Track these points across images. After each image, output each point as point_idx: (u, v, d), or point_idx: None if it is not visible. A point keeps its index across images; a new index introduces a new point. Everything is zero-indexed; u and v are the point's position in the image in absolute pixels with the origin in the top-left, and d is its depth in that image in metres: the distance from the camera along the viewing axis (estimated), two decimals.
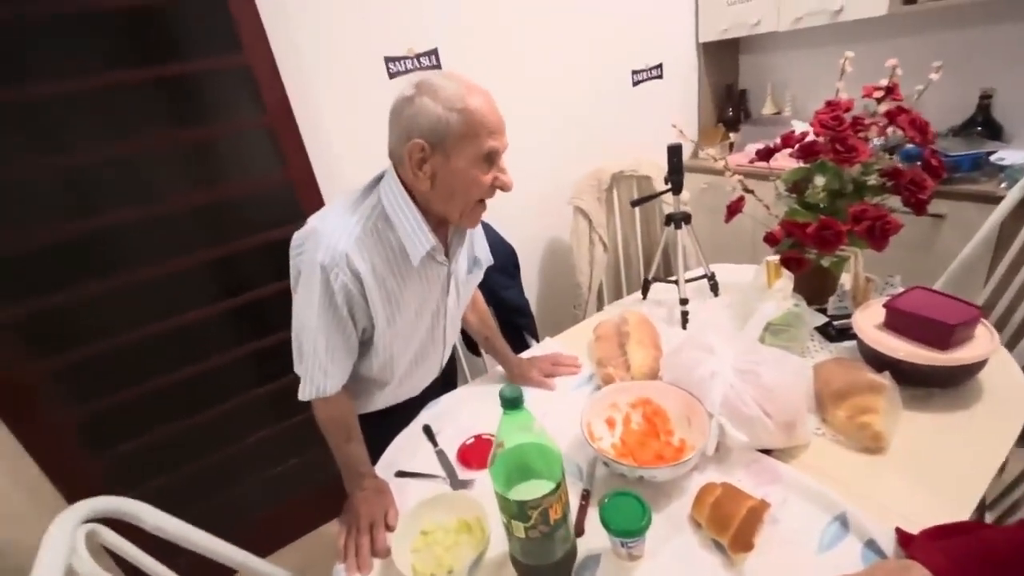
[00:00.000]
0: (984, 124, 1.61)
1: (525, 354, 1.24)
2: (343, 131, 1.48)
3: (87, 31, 1.17)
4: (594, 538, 0.73)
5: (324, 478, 1.41)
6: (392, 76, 1.51)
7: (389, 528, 0.80)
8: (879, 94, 0.99)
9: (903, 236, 0.99)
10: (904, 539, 0.64)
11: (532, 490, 0.60)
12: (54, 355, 1.25)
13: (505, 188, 0.84)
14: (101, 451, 1.36)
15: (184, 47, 1.25)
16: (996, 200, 1.28)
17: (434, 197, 0.83)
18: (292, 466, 1.69)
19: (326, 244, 0.80)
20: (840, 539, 0.68)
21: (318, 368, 0.86)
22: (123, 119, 1.24)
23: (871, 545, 0.66)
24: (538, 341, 1.54)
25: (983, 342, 0.86)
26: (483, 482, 0.85)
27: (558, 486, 0.61)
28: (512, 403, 0.60)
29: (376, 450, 0.99)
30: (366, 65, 1.46)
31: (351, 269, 0.80)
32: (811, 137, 1.08)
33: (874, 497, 0.72)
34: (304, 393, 0.88)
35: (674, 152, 1.17)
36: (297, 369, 0.89)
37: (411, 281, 0.89)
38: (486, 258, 1.10)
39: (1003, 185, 1.40)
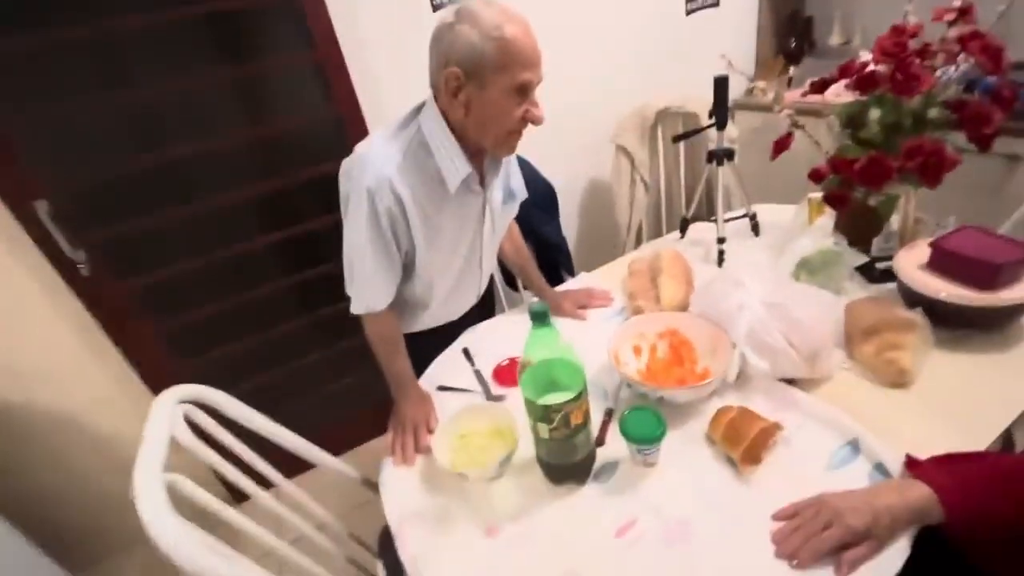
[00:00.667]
0: None
1: (559, 288, 1.29)
2: (388, 65, 1.49)
3: None
4: (614, 448, 0.80)
5: (374, 399, 1.55)
6: (435, 8, 1.49)
7: (430, 431, 0.90)
8: (951, 16, 0.91)
9: (971, 178, 0.94)
10: (912, 463, 0.67)
11: (556, 399, 0.67)
12: (133, 276, 1.40)
13: (536, 122, 0.86)
14: (181, 359, 1.54)
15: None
16: None
17: (469, 125, 0.85)
18: (346, 385, 1.85)
19: (372, 170, 0.85)
20: (849, 461, 0.72)
21: (366, 285, 0.94)
22: (177, 57, 1.31)
23: (879, 468, 0.70)
24: (574, 277, 1.58)
25: None
26: (515, 398, 0.92)
27: (578, 396, 0.68)
28: (540, 317, 0.65)
29: (420, 366, 1.08)
30: None
31: (394, 193, 0.86)
32: (872, 67, 1.01)
33: (891, 428, 0.74)
34: (355, 308, 0.97)
35: (720, 84, 1.13)
36: (348, 288, 0.97)
37: (448, 207, 0.94)
38: (521, 191, 1.13)
39: None
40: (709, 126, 1.18)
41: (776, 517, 0.66)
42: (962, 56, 0.94)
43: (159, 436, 0.69)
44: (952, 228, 0.99)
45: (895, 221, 1.07)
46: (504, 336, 1.14)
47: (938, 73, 0.96)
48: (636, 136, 1.70)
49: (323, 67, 1.39)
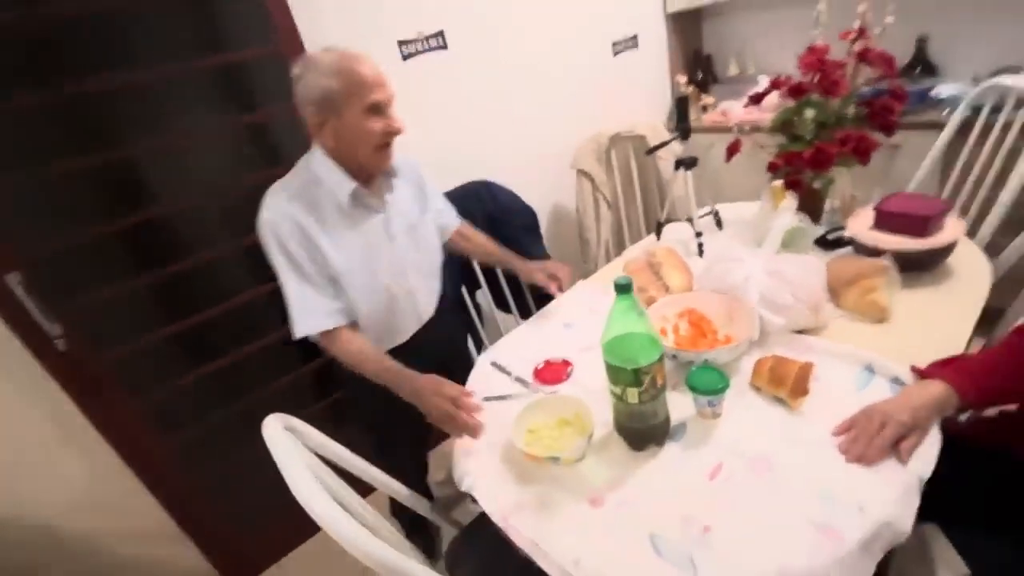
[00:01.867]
0: (922, 64, 1.86)
1: (552, 304, 1.38)
2: None
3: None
4: (677, 411, 0.88)
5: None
6: (405, 58, 1.60)
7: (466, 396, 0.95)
8: (852, 35, 1.18)
9: (865, 171, 1.20)
10: (917, 371, 0.83)
11: (643, 362, 0.75)
12: (110, 348, 1.29)
13: (395, 132, 0.99)
14: (164, 433, 1.41)
15: (225, 40, 1.31)
16: (940, 126, 1.51)
17: (342, 150, 0.99)
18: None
19: (267, 207, 0.99)
20: (870, 381, 0.87)
21: (297, 307, 1.01)
22: (152, 113, 1.29)
23: (896, 380, 0.85)
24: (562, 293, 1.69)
25: (953, 230, 1.07)
26: (564, 392, 1.00)
27: (661, 357, 0.77)
28: (624, 288, 0.74)
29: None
30: (382, 48, 1.56)
31: (292, 220, 0.97)
32: (796, 79, 1.26)
33: (887, 353, 0.90)
34: (296, 331, 1.02)
35: (681, 102, 1.33)
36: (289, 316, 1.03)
37: (350, 227, 1.03)
38: (445, 205, 1.29)
39: (945, 113, 1.64)
40: (675, 138, 1.38)
41: (836, 432, 0.78)
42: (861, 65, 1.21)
43: (293, 447, 0.68)
44: (879, 198, 1.24)
45: (837, 199, 1.31)
46: (529, 345, 1.20)
47: (848, 82, 1.22)
48: (594, 159, 1.89)
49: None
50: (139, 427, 1.36)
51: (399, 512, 1.50)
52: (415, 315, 1.20)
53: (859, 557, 0.64)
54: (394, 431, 1.26)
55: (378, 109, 0.95)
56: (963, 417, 0.92)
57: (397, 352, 1.16)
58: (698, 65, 2.50)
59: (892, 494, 0.68)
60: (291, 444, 0.67)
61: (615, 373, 0.77)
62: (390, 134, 0.98)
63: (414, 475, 1.32)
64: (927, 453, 0.73)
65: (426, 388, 0.95)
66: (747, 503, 0.72)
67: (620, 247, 2.05)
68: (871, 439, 0.73)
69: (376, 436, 1.31)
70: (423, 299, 1.21)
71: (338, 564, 1.62)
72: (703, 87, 2.44)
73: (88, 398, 1.26)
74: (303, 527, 1.73)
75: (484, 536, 1.02)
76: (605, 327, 0.78)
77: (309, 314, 1.02)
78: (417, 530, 1.47)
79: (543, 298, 1.59)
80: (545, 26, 1.92)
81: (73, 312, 1.20)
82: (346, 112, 0.93)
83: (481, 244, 1.36)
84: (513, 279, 1.74)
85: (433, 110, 1.71)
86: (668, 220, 1.54)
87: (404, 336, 1.21)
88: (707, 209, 1.48)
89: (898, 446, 0.72)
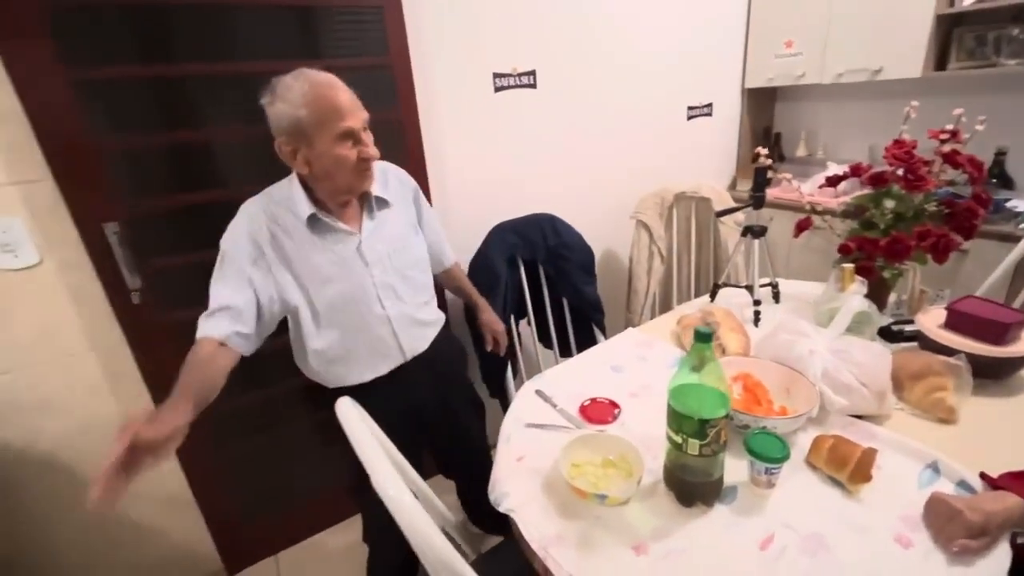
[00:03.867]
0: (999, 176, 1.86)
1: (599, 346, 1.39)
2: (455, 135, 1.65)
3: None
4: (728, 475, 0.87)
5: None
6: (497, 90, 1.69)
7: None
8: (944, 136, 1.20)
9: (932, 269, 1.19)
10: (989, 480, 0.80)
11: (711, 414, 0.75)
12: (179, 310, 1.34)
13: (370, 158, 0.99)
14: None
15: (341, 48, 1.42)
16: (1013, 239, 1.50)
17: (317, 177, 0.98)
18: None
19: (247, 206, 1.03)
20: (934, 480, 0.84)
21: (205, 314, 0.97)
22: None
23: (962, 484, 0.82)
24: (606, 337, 1.70)
25: None
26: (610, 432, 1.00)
27: (728, 414, 0.76)
28: (705, 338, 0.75)
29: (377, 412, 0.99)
30: (478, 77, 1.65)
31: (265, 222, 1.00)
32: (877, 168, 1.28)
33: (951, 456, 0.87)
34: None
35: (760, 173, 1.36)
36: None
37: (319, 246, 1.02)
38: (443, 238, 1.32)
39: (1021, 227, 1.63)
40: (747, 205, 1.40)
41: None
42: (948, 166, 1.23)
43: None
44: (949, 298, 1.22)
45: (903, 291, 1.30)
46: (577, 380, 1.20)
47: (934, 180, 1.23)
48: (656, 213, 1.92)
49: (404, 128, 1.51)
50: None
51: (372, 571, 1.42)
52: (396, 347, 1.14)
53: None
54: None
55: (350, 136, 0.95)
56: None
57: (385, 381, 1.14)
58: (767, 141, 2.55)
59: None
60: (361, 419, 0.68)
61: (679, 421, 0.77)
62: (364, 160, 0.98)
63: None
64: (995, 567, 0.70)
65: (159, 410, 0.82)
66: None
67: (666, 301, 2.06)
68: (940, 528, 0.71)
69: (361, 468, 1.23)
70: (402, 328, 1.14)
71: (332, 565, 1.61)
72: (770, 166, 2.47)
73: (146, 352, 1.31)
74: (305, 525, 1.73)
75: (506, 564, 1.01)
76: (676, 373, 0.78)
77: (209, 313, 0.98)
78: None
79: (586, 340, 1.60)
80: (628, 83, 2.01)
81: (153, 272, 1.27)
82: (318, 141, 0.92)
83: (461, 279, 1.42)
84: (559, 314, 1.77)
85: (514, 141, 1.79)
86: (725, 284, 1.54)
87: (383, 369, 1.15)
88: (767, 280, 1.48)
89: (964, 547, 0.70)
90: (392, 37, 1.42)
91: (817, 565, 0.71)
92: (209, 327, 0.95)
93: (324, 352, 1.10)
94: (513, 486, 0.91)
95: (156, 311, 1.29)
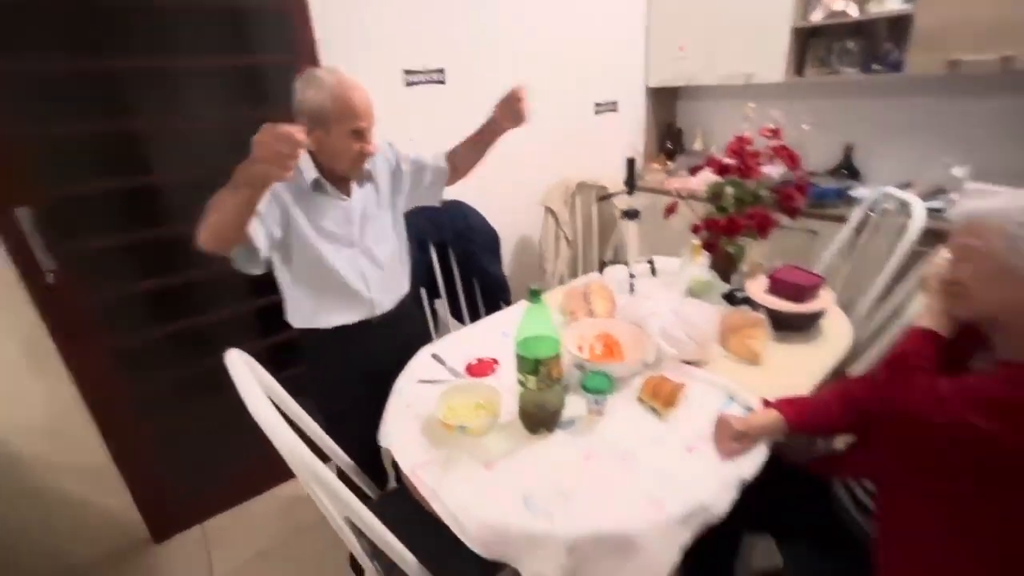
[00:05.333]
0: (847, 168, 2.17)
1: (496, 314, 1.57)
2: None
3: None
4: (571, 410, 1.07)
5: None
6: (408, 84, 1.83)
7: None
8: (768, 134, 1.44)
9: (788, 246, 1.44)
10: (766, 403, 1.04)
11: (543, 354, 0.94)
12: (95, 291, 1.43)
13: (369, 154, 1.17)
14: (127, 378, 1.53)
15: (253, 45, 1.52)
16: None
17: (321, 156, 1.15)
18: None
19: None
20: (729, 405, 1.07)
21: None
22: (176, 95, 1.48)
23: (748, 408, 1.05)
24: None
25: (824, 300, 1.31)
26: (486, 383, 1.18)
27: (557, 355, 0.96)
28: (536, 295, 0.94)
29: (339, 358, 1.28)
30: (389, 71, 1.78)
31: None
32: (726, 161, 1.52)
33: (751, 387, 1.11)
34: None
35: (631, 163, 1.57)
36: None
37: (321, 206, 1.18)
38: (428, 158, 1.41)
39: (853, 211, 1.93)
40: (622, 191, 1.61)
41: None
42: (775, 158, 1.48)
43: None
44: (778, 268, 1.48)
45: (745, 265, 1.55)
46: (468, 345, 1.38)
47: (764, 169, 1.47)
48: (560, 201, 2.12)
49: None
50: (104, 369, 1.47)
51: None
52: (366, 298, 1.29)
53: (677, 524, 0.82)
54: (347, 412, 1.33)
55: (360, 134, 1.12)
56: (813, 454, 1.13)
57: (341, 333, 1.28)
58: (669, 136, 2.81)
59: (714, 485, 0.88)
60: (249, 372, 0.83)
61: (521, 363, 0.96)
62: (364, 155, 1.16)
63: (362, 458, 1.32)
64: (752, 461, 0.93)
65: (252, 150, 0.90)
66: (605, 481, 0.90)
67: (573, 276, 2.27)
68: (716, 437, 0.94)
69: (328, 413, 1.36)
70: (376, 288, 1.30)
71: (257, 531, 1.73)
72: (671, 156, 2.74)
73: (63, 332, 1.38)
74: (231, 493, 1.84)
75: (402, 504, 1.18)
76: (520, 327, 0.97)
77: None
78: None
79: (495, 311, 1.78)
80: (535, 80, 2.17)
81: (69, 253, 1.34)
82: (333, 131, 1.10)
83: (459, 148, 1.44)
84: (470, 292, 1.94)
85: (426, 133, 1.92)
86: (613, 261, 1.76)
87: (350, 317, 1.28)
88: (646, 258, 1.71)
89: (729, 448, 0.92)
90: (299, 37, 1.54)
91: (622, 468, 0.92)
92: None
93: (305, 292, 1.23)
94: (396, 427, 1.08)
95: (73, 292, 1.37)
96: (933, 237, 1.58)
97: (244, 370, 0.83)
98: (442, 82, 1.91)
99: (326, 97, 1.07)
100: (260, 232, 1.08)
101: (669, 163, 2.66)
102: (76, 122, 1.34)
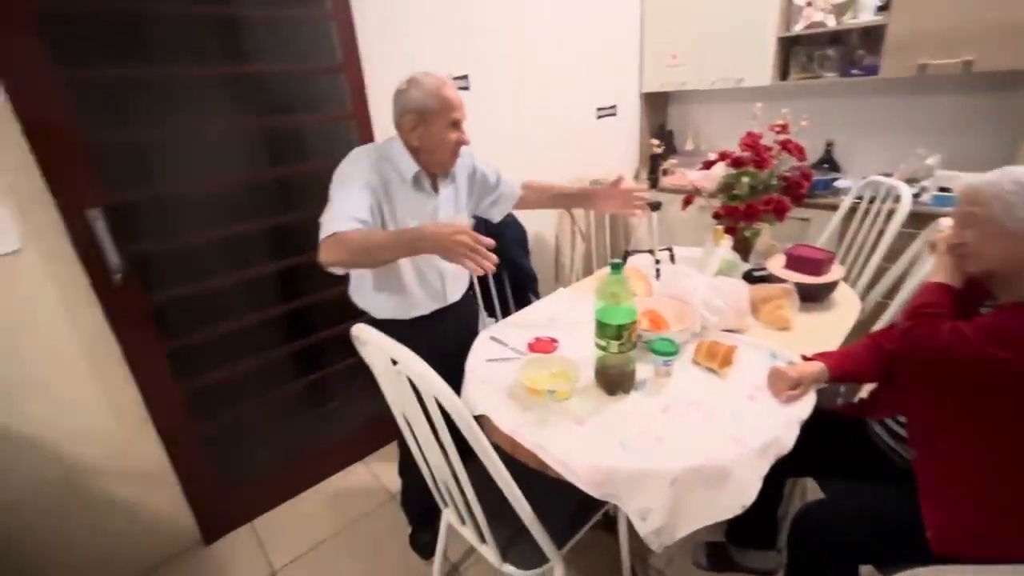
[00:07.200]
0: (829, 162, 2.41)
1: (536, 303, 1.70)
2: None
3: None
4: (641, 372, 1.19)
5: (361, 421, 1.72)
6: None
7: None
8: (777, 129, 1.63)
9: (784, 232, 1.62)
10: (805, 357, 1.19)
11: (623, 321, 1.06)
12: (157, 291, 1.46)
13: (464, 143, 1.29)
14: (180, 378, 1.56)
15: (292, 58, 1.60)
16: (837, 208, 2.00)
17: (421, 150, 1.27)
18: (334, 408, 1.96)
19: (362, 149, 1.27)
20: (773, 361, 1.22)
21: (337, 207, 1.13)
22: (237, 104, 1.54)
23: (790, 363, 1.20)
24: (539, 299, 2.00)
25: (836, 272, 1.49)
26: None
27: (635, 321, 1.08)
28: (617, 266, 1.06)
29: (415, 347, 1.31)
30: None
31: (379, 169, 1.23)
32: (738, 153, 1.70)
33: (786, 347, 1.27)
34: (324, 232, 1.11)
35: (653, 159, 1.73)
36: (323, 219, 1.14)
37: (408, 198, 1.28)
38: (505, 179, 1.55)
39: (841, 198, 2.15)
40: (645, 185, 1.76)
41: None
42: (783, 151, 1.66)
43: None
44: (790, 247, 1.66)
45: (760, 246, 1.72)
46: (524, 326, 1.49)
47: (774, 161, 1.66)
48: None
49: (358, 124, 1.71)
50: (162, 369, 1.50)
51: (406, 504, 1.68)
52: (441, 292, 1.41)
53: (757, 456, 0.96)
54: None
55: (456, 125, 1.25)
56: (840, 401, 1.29)
57: (419, 323, 1.40)
58: (662, 137, 3.00)
59: (781, 423, 1.02)
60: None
61: (603, 329, 1.08)
62: (460, 143, 1.28)
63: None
64: (806, 404, 1.08)
65: (443, 229, 1.06)
66: (687, 426, 1.03)
67: (588, 272, 2.41)
68: (774, 386, 1.08)
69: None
70: (450, 281, 1.42)
71: (310, 525, 1.77)
72: (664, 156, 2.93)
73: (126, 332, 1.41)
74: (275, 492, 1.87)
75: None
76: (597, 296, 1.09)
77: (342, 214, 1.11)
78: (421, 525, 1.65)
79: (524, 304, 1.89)
80: (545, 87, 2.35)
81: (135, 255, 1.38)
82: (434, 124, 1.22)
83: (545, 190, 1.57)
84: (499, 286, 2.05)
85: None
86: (633, 251, 1.91)
87: (427, 308, 1.39)
88: (665, 247, 1.86)
89: (788, 395, 1.07)
90: (346, 46, 1.63)
91: (698, 415, 1.05)
92: (343, 225, 1.10)
93: (385, 284, 1.32)
94: (481, 398, 1.17)
95: (136, 293, 1.40)
96: (915, 219, 1.81)
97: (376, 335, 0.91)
98: (467, 88, 2.02)
99: (427, 94, 1.20)
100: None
101: (669, 162, 2.84)
102: (136, 127, 1.39)
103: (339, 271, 1.17)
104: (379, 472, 1.99)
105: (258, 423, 1.81)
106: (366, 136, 1.75)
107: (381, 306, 1.37)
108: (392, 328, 1.35)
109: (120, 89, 1.36)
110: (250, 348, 1.72)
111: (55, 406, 1.38)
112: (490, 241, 1.08)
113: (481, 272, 1.08)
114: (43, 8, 1.16)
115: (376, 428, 2.02)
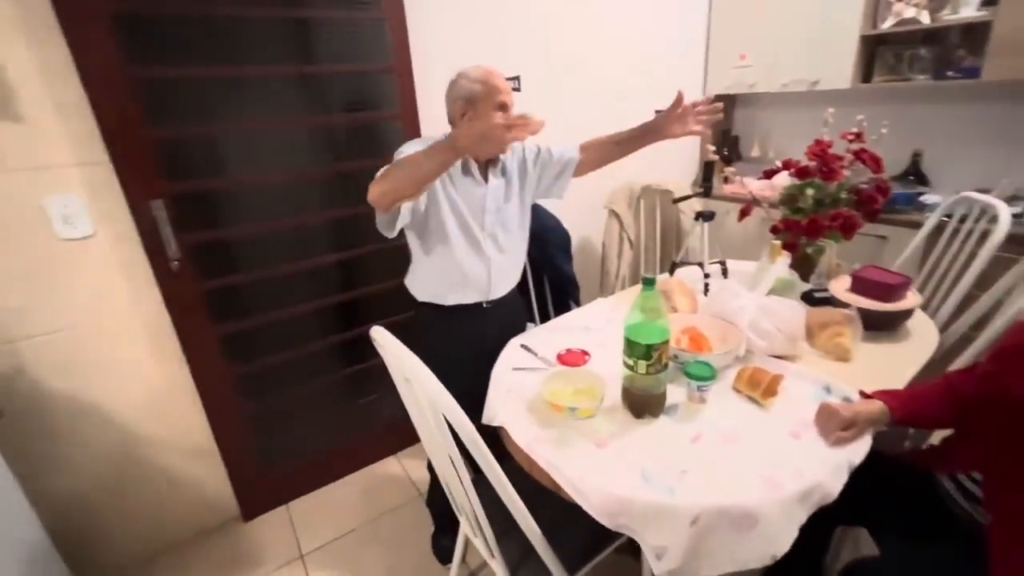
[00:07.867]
0: (915, 174, 2.17)
1: (574, 311, 1.64)
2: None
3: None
4: (673, 396, 1.12)
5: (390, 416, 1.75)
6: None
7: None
8: (851, 137, 1.48)
9: (857, 251, 1.46)
10: (864, 394, 1.06)
11: (654, 340, 0.99)
12: (210, 279, 1.55)
13: (517, 139, 1.23)
14: (230, 361, 1.64)
15: (349, 58, 1.64)
16: (921, 226, 1.79)
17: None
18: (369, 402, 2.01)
19: (408, 145, 1.26)
20: (826, 397, 1.10)
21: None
22: (295, 102, 1.60)
23: (846, 399, 1.08)
24: (579, 307, 1.94)
25: (912, 299, 1.33)
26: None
27: (667, 340, 1.01)
28: (650, 282, 0.99)
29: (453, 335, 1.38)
30: None
31: None
32: (804, 163, 1.55)
33: (844, 381, 1.14)
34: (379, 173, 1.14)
35: (708, 166, 1.62)
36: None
37: (460, 184, 1.30)
38: (560, 149, 1.51)
39: (926, 215, 1.93)
40: (698, 194, 1.66)
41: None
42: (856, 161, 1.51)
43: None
44: (859, 268, 1.50)
45: (823, 265, 1.57)
46: (556, 337, 1.44)
47: (845, 172, 1.50)
48: (625, 204, 2.18)
49: (406, 125, 1.73)
50: (213, 352, 1.59)
51: (431, 503, 1.69)
52: (486, 283, 1.38)
53: (795, 502, 0.86)
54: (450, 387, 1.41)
55: (503, 108, 1.27)
56: (908, 445, 1.15)
57: (465, 311, 1.40)
58: (726, 143, 2.84)
59: (828, 467, 0.91)
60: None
61: (631, 348, 1.02)
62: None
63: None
64: (860, 448, 0.96)
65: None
66: (717, 460, 0.95)
67: (635, 282, 2.32)
68: (823, 424, 0.97)
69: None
70: (496, 273, 1.39)
71: (341, 513, 1.81)
72: (728, 162, 2.77)
73: (181, 316, 1.50)
74: (314, 477, 1.93)
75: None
76: (629, 312, 1.03)
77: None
78: (443, 527, 1.65)
79: (564, 311, 1.84)
80: (601, 88, 2.27)
81: (191, 245, 1.46)
82: (482, 108, 1.25)
83: (605, 142, 1.54)
84: (539, 291, 2.01)
85: None
86: (682, 263, 1.80)
87: (471, 297, 1.39)
88: (717, 259, 1.75)
89: (838, 437, 0.96)
90: (397, 45, 1.65)
91: (731, 449, 0.97)
92: None
93: (432, 268, 1.35)
94: (502, 408, 1.14)
95: (191, 280, 1.49)
96: (1013, 242, 1.58)
97: (392, 340, 0.91)
98: (518, 89, 1.99)
99: (475, 81, 1.25)
100: (407, 203, 1.19)
101: (728, 169, 2.68)
102: (198, 125, 1.47)
103: (386, 217, 1.19)
104: (410, 468, 2.02)
105: (300, 410, 1.88)
106: (414, 136, 1.77)
107: (421, 283, 1.40)
108: (428, 311, 1.40)
109: (185, 86, 1.44)
110: (299, 337, 1.79)
111: (118, 380, 1.50)
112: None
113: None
114: (117, 9, 1.25)
115: (410, 424, 2.03)
